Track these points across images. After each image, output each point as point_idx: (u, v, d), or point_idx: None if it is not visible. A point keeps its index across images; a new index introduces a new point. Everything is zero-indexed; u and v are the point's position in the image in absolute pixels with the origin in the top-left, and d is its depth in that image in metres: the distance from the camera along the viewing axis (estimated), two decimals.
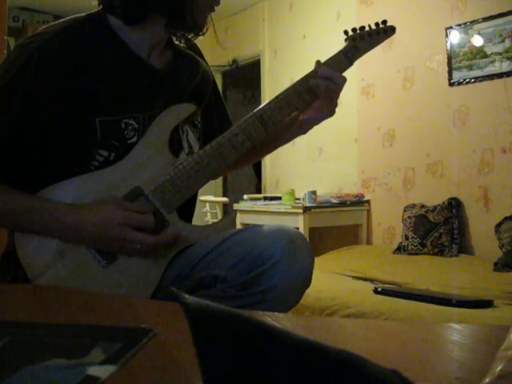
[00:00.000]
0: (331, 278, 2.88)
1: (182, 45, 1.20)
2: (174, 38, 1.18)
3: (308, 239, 1.07)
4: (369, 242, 3.99)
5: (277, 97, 1.14)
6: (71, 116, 1.02)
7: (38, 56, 0.99)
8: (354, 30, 1.18)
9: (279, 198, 4.00)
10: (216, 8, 1.11)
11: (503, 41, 3.16)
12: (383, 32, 1.20)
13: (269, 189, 4.98)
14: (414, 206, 3.56)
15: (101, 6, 1.08)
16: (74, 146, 1.04)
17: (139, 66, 1.08)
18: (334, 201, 3.80)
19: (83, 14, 1.07)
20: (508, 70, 3.14)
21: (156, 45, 1.11)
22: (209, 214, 4.87)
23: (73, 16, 1.07)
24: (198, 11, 1.06)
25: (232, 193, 6.19)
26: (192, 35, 1.13)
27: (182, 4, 1.03)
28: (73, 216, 1.00)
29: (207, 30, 1.12)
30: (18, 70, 1.00)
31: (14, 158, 1.03)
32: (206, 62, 1.28)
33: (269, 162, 4.95)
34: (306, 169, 4.57)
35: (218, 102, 1.32)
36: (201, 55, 1.28)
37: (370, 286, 2.60)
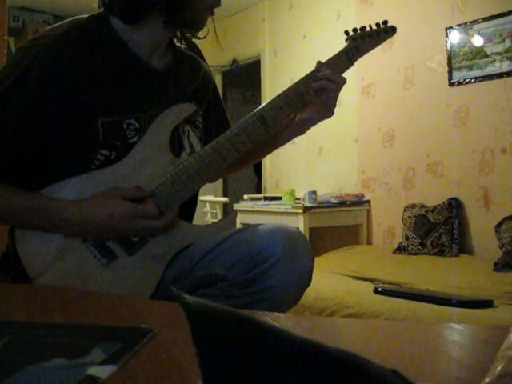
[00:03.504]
0: (331, 278, 2.88)
1: (183, 46, 1.21)
2: (176, 40, 1.18)
3: (308, 239, 1.07)
4: (369, 242, 3.99)
5: (277, 97, 1.14)
6: (73, 117, 1.02)
7: (42, 59, 0.99)
8: (354, 30, 1.18)
9: (279, 198, 4.00)
10: (216, 8, 1.11)
11: (503, 41, 3.16)
12: (384, 32, 1.20)
13: (269, 189, 4.98)
14: (414, 206, 3.56)
15: (102, 8, 1.08)
16: (75, 146, 1.04)
17: (140, 67, 1.09)
18: (334, 201, 3.80)
19: (85, 16, 1.07)
20: (508, 70, 3.14)
21: (157, 46, 1.11)
22: (209, 213, 4.87)
23: (75, 17, 1.07)
24: (196, 9, 1.06)
25: (232, 193, 6.20)
26: (191, 34, 1.13)
27: (180, 1, 1.03)
28: (78, 211, 1.01)
29: (207, 33, 1.12)
30: (22, 73, 1.00)
31: (16, 158, 1.03)
32: (206, 63, 1.28)
33: (269, 162, 4.95)
34: (306, 169, 4.57)
35: (218, 104, 1.32)
36: (201, 56, 1.28)
37: (370, 286, 2.60)
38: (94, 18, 1.07)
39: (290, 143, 1.29)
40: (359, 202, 3.94)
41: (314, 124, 1.20)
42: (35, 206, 1.01)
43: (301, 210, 3.60)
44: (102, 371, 0.51)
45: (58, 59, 1.00)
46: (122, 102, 1.05)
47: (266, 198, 4.21)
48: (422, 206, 3.48)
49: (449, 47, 3.45)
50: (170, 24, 1.07)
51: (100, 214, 1.01)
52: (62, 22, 1.06)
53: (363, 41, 1.18)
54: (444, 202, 3.36)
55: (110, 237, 1.05)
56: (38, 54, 1.00)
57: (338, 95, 1.16)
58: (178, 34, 1.17)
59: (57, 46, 1.00)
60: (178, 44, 1.19)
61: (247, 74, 5.69)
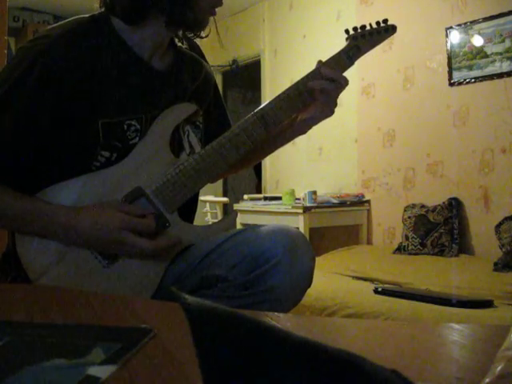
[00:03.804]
0: (331, 278, 2.88)
1: (184, 46, 1.20)
2: (177, 40, 1.18)
3: (308, 239, 1.07)
4: (369, 242, 3.99)
5: (278, 96, 1.14)
6: (74, 118, 1.02)
7: (43, 60, 0.99)
8: (354, 29, 1.18)
9: (279, 198, 4.00)
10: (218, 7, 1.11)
11: (503, 41, 3.16)
12: (384, 31, 1.19)
13: (269, 189, 4.98)
14: (414, 206, 3.55)
15: (103, 8, 1.08)
16: (76, 147, 1.04)
17: (141, 68, 1.08)
18: (334, 201, 3.80)
19: (87, 16, 1.07)
20: (508, 69, 3.14)
21: (158, 46, 1.11)
22: (209, 214, 4.87)
23: (76, 17, 1.07)
24: (198, 9, 1.06)
25: (232, 193, 6.20)
26: (193, 34, 1.13)
27: (182, 1, 1.03)
28: (72, 219, 1.00)
29: (209, 32, 1.12)
30: (23, 73, 0.99)
31: (16, 159, 1.03)
32: (207, 63, 1.28)
33: (269, 162, 4.95)
34: (306, 169, 4.57)
35: (219, 104, 1.32)
36: (202, 56, 1.28)
37: (370, 286, 2.60)
38: (96, 18, 1.07)
39: (290, 143, 1.29)
40: (359, 202, 3.94)
41: (315, 124, 1.20)
42: (31, 209, 1.00)
43: (301, 210, 3.60)
44: (102, 371, 0.51)
45: (59, 60, 0.99)
46: (122, 102, 1.05)
47: (266, 198, 4.21)
48: (422, 206, 3.48)
49: (449, 47, 3.45)
50: (171, 24, 1.07)
51: (90, 222, 0.99)
52: (62, 22, 1.06)
53: (364, 40, 1.17)
54: (444, 202, 3.36)
55: (99, 248, 1.02)
56: (40, 54, 0.99)
57: (338, 95, 1.16)
58: (180, 33, 1.16)
59: (58, 47, 1.00)
60: (179, 44, 1.19)
61: (247, 74, 5.69)
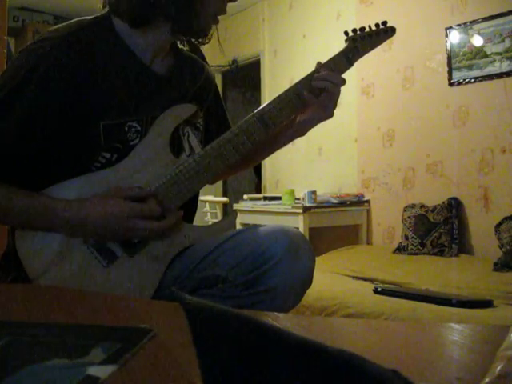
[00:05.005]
0: (331, 278, 2.88)
1: (185, 48, 1.21)
2: (178, 42, 1.18)
3: (308, 239, 1.07)
4: (369, 242, 3.99)
5: (278, 97, 1.14)
6: (75, 120, 1.02)
7: (45, 62, 0.99)
8: (354, 30, 1.18)
9: (279, 198, 4.00)
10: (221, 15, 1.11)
11: (503, 41, 3.16)
12: (383, 33, 1.20)
13: (269, 189, 4.98)
14: (413, 205, 3.55)
15: (106, 9, 1.08)
16: (77, 148, 1.04)
17: (142, 71, 1.09)
18: (334, 201, 3.80)
19: (89, 18, 1.07)
20: (508, 69, 3.14)
21: (160, 50, 1.11)
22: (209, 213, 4.87)
23: (78, 19, 1.07)
24: (203, 17, 1.06)
25: (232, 193, 6.19)
26: (196, 41, 1.13)
27: (188, 8, 1.03)
28: (78, 211, 1.00)
29: (211, 37, 1.13)
30: (25, 76, 0.99)
31: (19, 160, 1.03)
32: (208, 65, 1.28)
33: (269, 162, 4.95)
34: (306, 169, 4.57)
35: (219, 106, 1.32)
36: (203, 57, 1.28)
37: (370, 286, 2.60)
38: (98, 20, 1.07)
39: (289, 143, 1.29)
40: (359, 201, 3.94)
41: (314, 125, 1.20)
42: (36, 204, 1.01)
43: (300, 210, 3.60)
44: (102, 371, 0.51)
45: (61, 63, 1.00)
46: (123, 105, 1.05)
47: (265, 198, 4.21)
48: (422, 206, 3.48)
49: (449, 47, 3.45)
50: (177, 31, 1.08)
51: (98, 212, 1.00)
52: (65, 24, 1.06)
53: (363, 41, 1.18)
54: (444, 202, 3.36)
55: (109, 238, 1.04)
56: (42, 57, 0.99)
57: (337, 96, 1.16)
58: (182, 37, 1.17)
59: (60, 50, 1.00)
60: (180, 46, 1.19)
61: (247, 74, 5.69)
